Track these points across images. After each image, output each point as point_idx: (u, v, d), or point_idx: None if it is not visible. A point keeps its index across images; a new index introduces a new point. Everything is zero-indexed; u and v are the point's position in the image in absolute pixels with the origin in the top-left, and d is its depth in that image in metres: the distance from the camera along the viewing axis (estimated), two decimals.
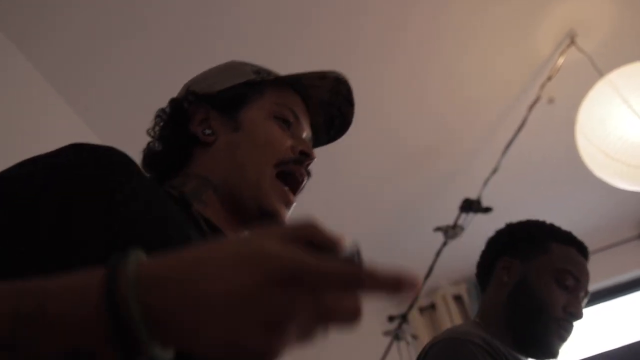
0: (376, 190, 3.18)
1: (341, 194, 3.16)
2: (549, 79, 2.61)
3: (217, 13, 2.33)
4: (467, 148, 3.03)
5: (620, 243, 3.59)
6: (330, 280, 0.48)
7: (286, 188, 1.02)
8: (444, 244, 2.79)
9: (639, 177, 2.17)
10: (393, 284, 0.50)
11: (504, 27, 2.55)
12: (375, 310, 3.85)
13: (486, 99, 2.83)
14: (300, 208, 3.06)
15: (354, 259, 0.55)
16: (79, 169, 0.75)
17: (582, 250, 1.64)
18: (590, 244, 3.58)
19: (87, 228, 0.69)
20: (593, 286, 3.61)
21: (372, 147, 2.94)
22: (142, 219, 0.74)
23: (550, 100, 2.69)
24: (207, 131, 1.03)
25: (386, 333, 3.04)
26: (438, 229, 2.81)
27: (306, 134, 1.10)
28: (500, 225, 3.07)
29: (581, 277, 1.58)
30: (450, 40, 2.58)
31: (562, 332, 1.54)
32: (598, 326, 3.71)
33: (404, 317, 3.08)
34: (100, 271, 0.50)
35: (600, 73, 2.42)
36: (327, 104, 1.15)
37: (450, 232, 2.78)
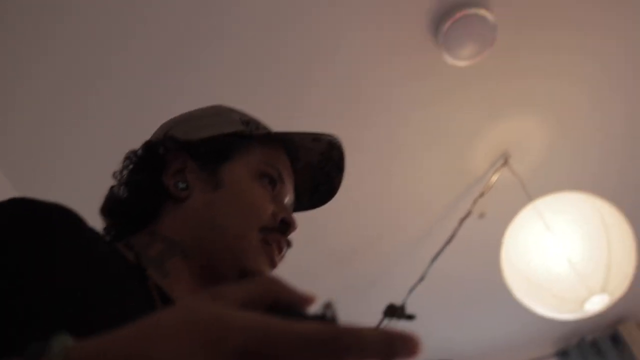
0: (299, 286, 3.14)
1: None
2: (482, 195, 2.67)
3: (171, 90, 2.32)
4: (394, 253, 3.04)
5: None
6: (309, 349, 0.37)
7: (272, 249, 0.92)
8: None
9: (557, 306, 2.20)
10: (388, 348, 0.38)
11: (442, 140, 2.61)
12: None
13: (418, 207, 2.86)
14: None
15: (330, 319, 0.44)
16: (11, 231, 0.64)
17: None
18: (507, 358, 3.64)
19: (8, 297, 0.58)
20: None
21: (298, 243, 2.91)
22: (72, 293, 0.62)
23: (482, 215, 2.75)
24: (181, 185, 0.91)
25: None
26: None
27: (289, 198, 1.01)
28: (420, 332, 3.03)
29: None
30: (383, 149, 2.61)
31: None
32: None
33: None
34: None
35: (529, 196, 2.49)
36: (315, 168, 1.06)
37: None
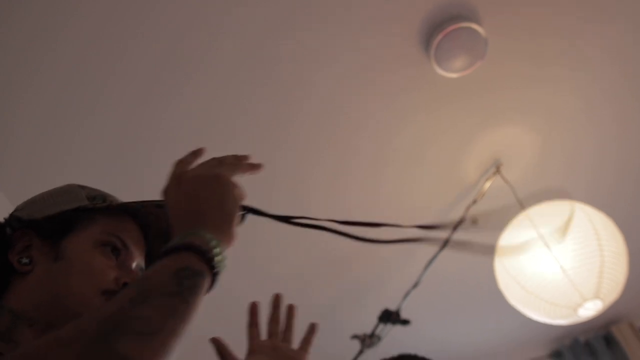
0: (295, 292, 3.14)
1: (259, 292, 3.12)
2: (474, 202, 2.71)
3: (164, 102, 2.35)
4: (388, 259, 3.07)
5: None
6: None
7: None
8: (360, 352, 2.79)
9: (550, 311, 2.23)
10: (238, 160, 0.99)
11: (432, 148, 2.64)
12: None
13: (411, 214, 2.89)
14: (218, 306, 3.01)
15: None
16: None
17: None
18: None
19: None
20: None
21: (292, 250, 2.95)
22: None
23: (474, 222, 2.78)
24: (24, 260, 0.98)
25: None
26: (355, 336, 2.81)
27: (136, 263, 1.05)
28: (416, 337, 3.09)
29: None
30: (375, 157, 2.63)
31: None
32: None
33: None
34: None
35: (520, 203, 2.52)
36: (165, 233, 1.09)
37: (367, 341, 2.79)
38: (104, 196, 1.09)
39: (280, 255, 2.96)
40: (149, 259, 1.12)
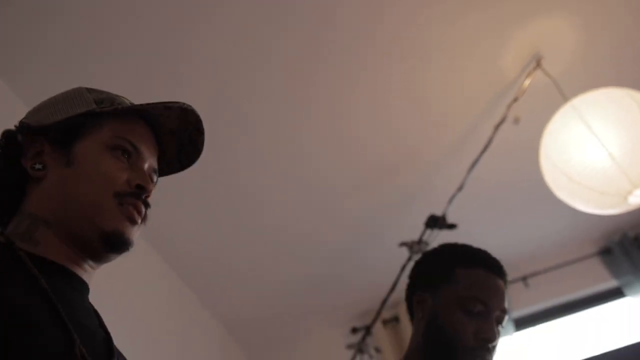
0: (342, 203, 3.19)
1: (307, 206, 3.17)
2: (515, 100, 2.65)
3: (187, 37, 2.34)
4: (431, 165, 3.06)
5: (580, 260, 3.65)
6: None
7: (128, 207, 0.99)
8: (409, 259, 2.81)
9: (599, 201, 2.21)
10: None
11: (471, 46, 2.59)
12: (338, 322, 3.87)
13: (452, 116, 2.86)
14: (264, 217, 3.06)
15: None
16: None
17: (492, 269, 1.55)
18: (551, 260, 3.69)
19: None
20: (553, 301, 3.71)
21: (338, 161, 2.96)
22: None
23: (516, 121, 2.73)
24: (38, 166, 1.00)
25: (349, 346, 3.05)
26: (403, 244, 2.83)
27: (148, 164, 1.07)
28: (465, 240, 3.10)
29: (489, 300, 1.49)
30: (415, 57, 2.61)
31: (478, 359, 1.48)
32: (557, 341, 3.78)
33: (367, 330, 3.09)
34: None
35: (565, 97, 2.47)
36: (177, 133, 1.13)
37: (415, 247, 2.81)
38: (112, 99, 1.08)
39: (326, 165, 2.97)
40: (162, 160, 1.14)
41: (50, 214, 0.97)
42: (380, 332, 3.73)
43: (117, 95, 1.10)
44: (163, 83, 2.48)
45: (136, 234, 1.01)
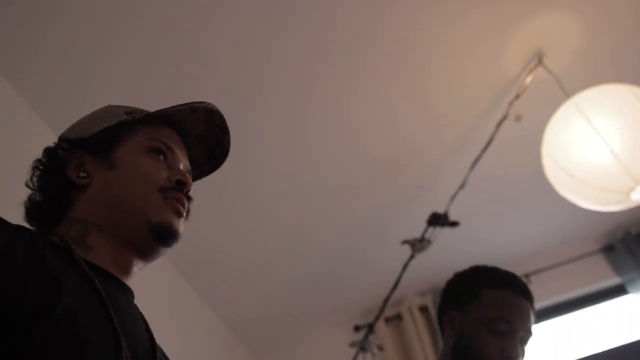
0: (344, 202, 3.19)
1: (309, 205, 3.17)
2: (517, 97, 2.65)
3: (193, 33, 2.34)
4: (433, 162, 3.06)
5: (582, 257, 3.65)
6: None
7: (172, 200, 1.04)
8: (411, 256, 2.81)
9: (601, 198, 2.21)
10: None
11: (473, 44, 2.59)
12: (341, 321, 3.88)
13: (454, 114, 2.86)
14: (267, 218, 3.07)
15: None
16: None
17: (518, 290, 1.64)
18: (553, 257, 3.69)
19: None
20: (555, 298, 3.70)
21: (340, 160, 2.96)
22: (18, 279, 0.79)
23: (518, 118, 2.73)
24: (82, 174, 1.05)
25: (352, 344, 3.05)
26: (405, 242, 2.83)
27: (183, 165, 1.13)
28: (467, 238, 3.11)
29: (514, 320, 1.58)
30: (417, 55, 2.60)
31: None
32: (560, 338, 3.78)
33: (370, 328, 3.09)
34: None
35: (567, 94, 2.46)
36: (204, 137, 1.18)
37: (418, 245, 2.80)
38: (140, 110, 1.14)
39: (327, 164, 2.97)
40: (191, 165, 1.18)
41: (100, 217, 1.02)
42: (382, 330, 3.73)
43: (143, 109, 1.16)
44: (163, 83, 2.48)
45: (182, 226, 1.06)
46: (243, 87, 2.59)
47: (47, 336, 0.76)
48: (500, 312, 1.59)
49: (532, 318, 1.64)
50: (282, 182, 3.03)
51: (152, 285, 2.93)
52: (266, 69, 2.54)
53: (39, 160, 1.09)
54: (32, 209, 1.08)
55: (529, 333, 1.62)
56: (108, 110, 1.15)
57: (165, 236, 1.02)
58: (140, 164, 1.06)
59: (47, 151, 1.10)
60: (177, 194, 1.05)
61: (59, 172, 1.06)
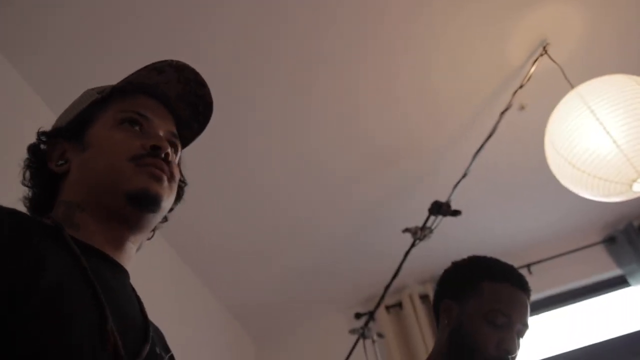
0: (346, 189, 3.20)
1: (311, 193, 3.18)
2: (521, 86, 2.64)
3: (200, 23, 2.33)
4: (436, 151, 3.06)
5: (584, 248, 3.66)
6: None
7: (147, 167, 1.03)
8: (413, 245, 2.82)
9: (604, 189, 2.20)
10: None
11: (478, 32, 2.57)
12: (342, 308, 3.89)
13: (458, 103, 2.85)
14: (268, 204, 3.08)
15: None
16: None
17: (517, 284, 1.64)
18: (555, 248, 3.69)
19: None
20: (556, 289, 3.70)
21: (343, 148, 2.96)
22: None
23: (522, 108, 2.72)
24: (60, 162, 1.08)
25: (352, 331, 3.06)
26: (407, 230, 2.83)
27: (164, 130, 1.11)
28: (469, 227, 3.11)
29: (512, 313, 1.59)
30: (421, 44, 2.59)
31: None
32: (560, 329, 3.79)
33: (371, 315, 3.10)
34: None
35: (571, 84, 2.45)
36: (183, 94, 1.17)
37: (419, 233, 2.80)
38: (111, 85, 1.13)
39: (329, 152, 2.97)
40: (181, 127, 1.18)
41: (79, 196, 1.03)
42: (383, 318, 3.75)
43: (112, 84, 1.14)
44: None
45: (166, 191, 1.04)
46: (243, 83, 2.58)
47: (31, 312, 0.77)
48: (500, 305, 1.59)
49: (529, 311, 1.65)
50: (284, 169, 3.03)
51: (153, 270, 2.95)
52: (268, 61, 2.53)
53: (27, 158, 1.12)
54: (30, 204, 1.11)
55: (525, 326, 1.62)
56: (84, 94, 1.16)
57: (144, 201, 1.01)
58: (110, 138, 1.05)
59: (31, 148, 1.12)
60: (151, 159, 1.03)
61: (43, 166, 1.09)
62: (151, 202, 1.02)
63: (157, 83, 1.13)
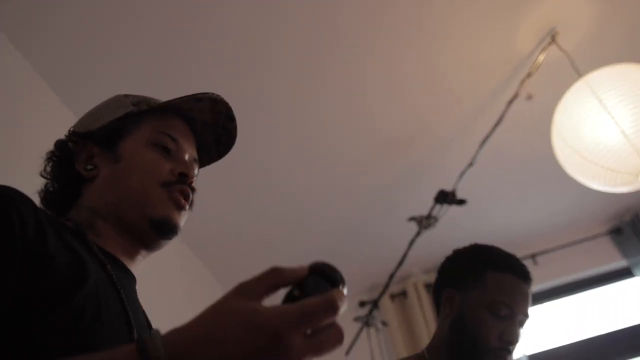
0: (352, 177, 3.19)
1: (317, 179, 3.17)
2: (529, 75, 2.63)
3: (204, 14, 2.33)
4: (443, 139, 3.05)
5: (590, 238, 3.65)
6: (314, 316, 0.61)
7: (174, 194, 1.08)
8: (418, 233, 2.81)
9: (611, 179, 2.20)
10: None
11: (486, 21, 2.56)
12: (346, 295, 3.89)
13: (465, 91, 2.84)
14: (276, 193, 3.08)
15: (320, 287, 0.68)
16: None
17: (520, 275, 1.64)
18: (561, 238, 3.69)
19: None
20: (562, 279, 3.70)
21: (350, 136, 2.95)
22: (49, 248, 0.84)
23: (529, 97, 2.71)
24: (90, 167, 1.11)
25: (356, 319, 3.07)
26: (412, 218, 2.83)
27: (188, 155, 1.17)
28: (474, 217, 3.10)
29: (515, 305, 1.59)
30: (430, 32, 2.58)
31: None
32: (565, 319, 3.79)
33: (375, 303, 3.11)
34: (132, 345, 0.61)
35: (579, 73, 2.44)
36: (211, 124, 1.22)
37: (425, 222, 2.80)
38: (147, 100, 1.18)
39: (336, 140, 2.96)
40: (200, 151, 1.23)
41: (105, 207, 1.06)
42: (387, 306, 3.75)
43: (150, 97, 1.20)
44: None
45: (183, 219, 1.10)
46: (251, 72, 2.57)
47: (79, 306, 0.81)
48: (503, 296, 1.59)
49: (530, 302, 1.64)
50: (290, 157, 3.02)
51: (161, 262, 2.95)
52: (277, 49, 2.52)
53: (51, 152, 1.14)
54: (46, 197, 1.13)
55: (526, 317, 1.63)
56: (116, 100, 1.19)
57: (165, 230, 1.06)
58: (144, 157, 1.10)
59: (58, 144, 1.15)
60: (180, 186, 1.09)
61: (69, 165, 1.12)
62: (170, 231, 1.06)
63: (191, 108, 1.18)
